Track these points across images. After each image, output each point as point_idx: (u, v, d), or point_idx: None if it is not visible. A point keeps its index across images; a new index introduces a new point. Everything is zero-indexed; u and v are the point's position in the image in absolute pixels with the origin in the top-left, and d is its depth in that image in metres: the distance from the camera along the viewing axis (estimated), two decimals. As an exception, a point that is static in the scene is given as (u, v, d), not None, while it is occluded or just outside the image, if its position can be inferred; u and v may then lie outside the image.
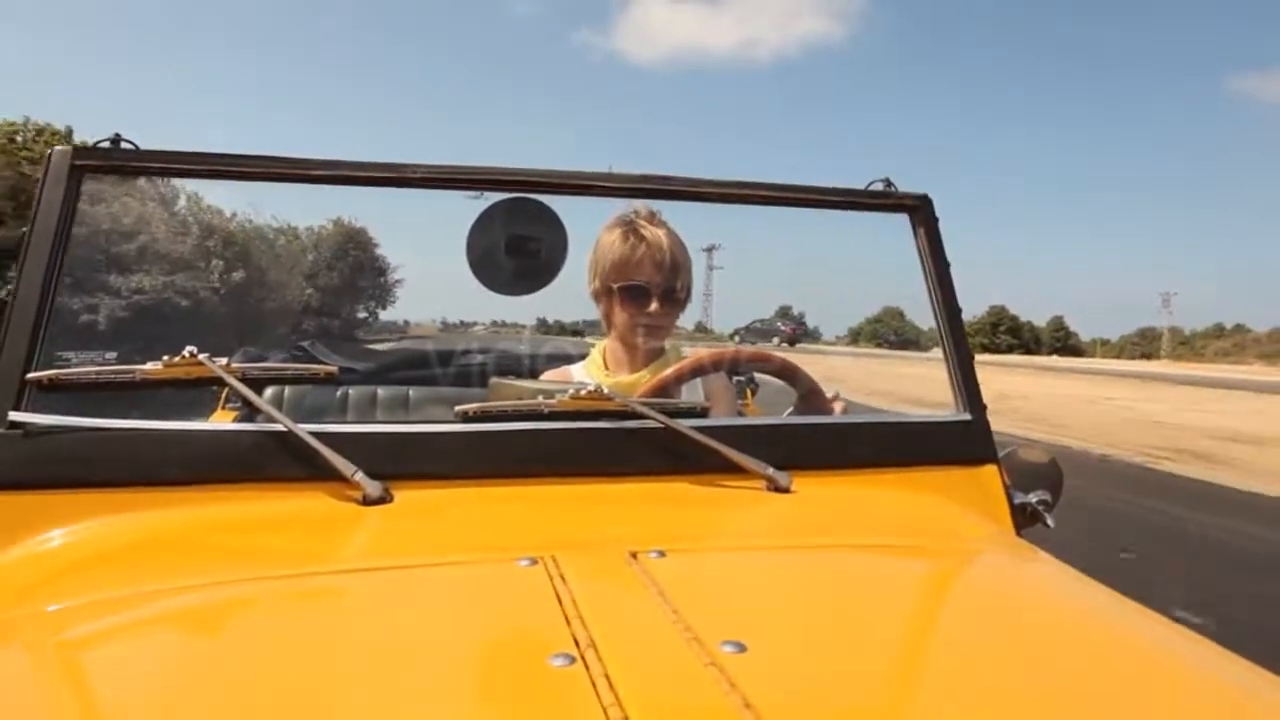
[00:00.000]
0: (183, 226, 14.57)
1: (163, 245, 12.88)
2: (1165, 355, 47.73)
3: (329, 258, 23.85)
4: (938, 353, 1.24)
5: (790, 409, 1.32)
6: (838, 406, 1.29)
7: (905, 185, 1.28)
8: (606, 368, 1.47)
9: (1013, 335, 53.52)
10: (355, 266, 25.25)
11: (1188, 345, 51.92)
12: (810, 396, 1.28)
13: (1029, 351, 48.49)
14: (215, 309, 13.23)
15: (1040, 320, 58.39)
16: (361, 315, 26.37)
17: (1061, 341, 56.34)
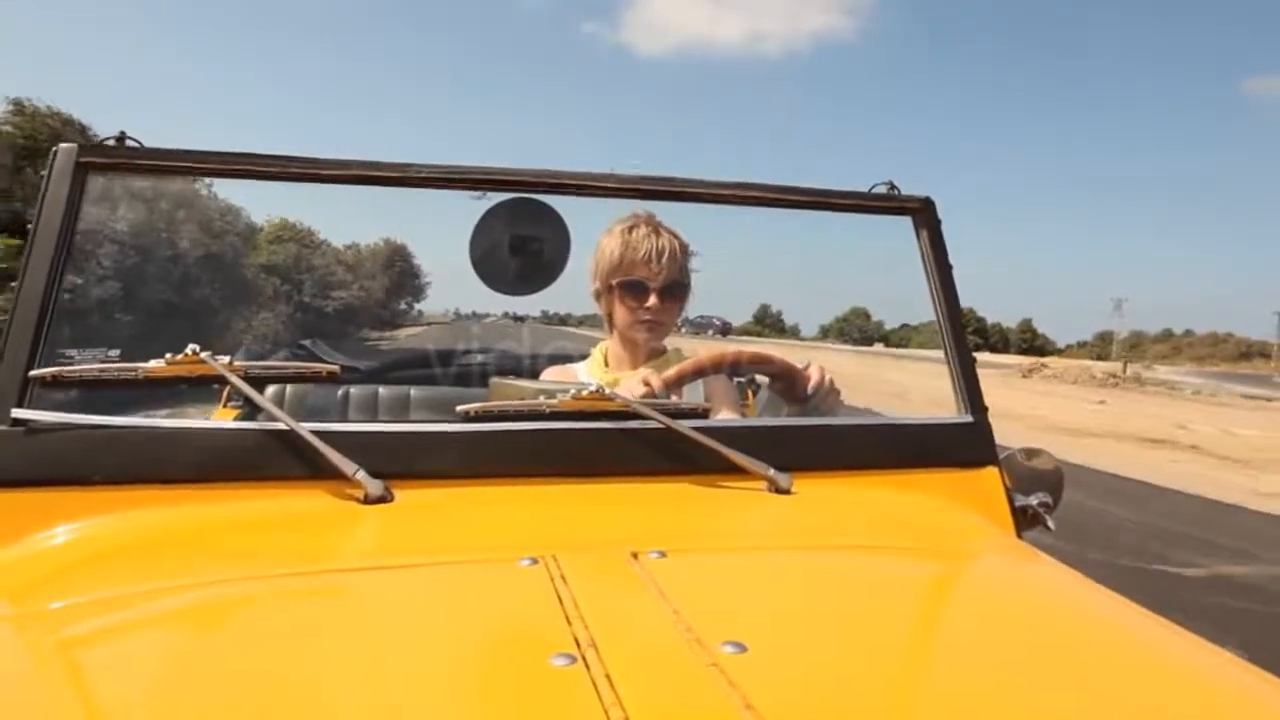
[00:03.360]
0: (356, 266, 29.25)
1: (342, 276, 27.39)
2: (1115, 356, 48.88)
3: (381, 267, 38.64)
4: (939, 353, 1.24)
5: (767, 395, 1.31)
6: (813, 373, 1.26)
7: (908, 186, 1.28)
8: (607, 367, 1.47)
9: (979, 336, 56.15)
10: (400, 273, 41.49)
11: (1138, 348, 54.60)
12: (783, 374, 1.26)
13: (994, 351, 51.29)
14: (358, 304, 28.76)
15: (1010, 322, 60.79)
16: (403, 308, 43.93)
17: (1029, 343, 58.68)
